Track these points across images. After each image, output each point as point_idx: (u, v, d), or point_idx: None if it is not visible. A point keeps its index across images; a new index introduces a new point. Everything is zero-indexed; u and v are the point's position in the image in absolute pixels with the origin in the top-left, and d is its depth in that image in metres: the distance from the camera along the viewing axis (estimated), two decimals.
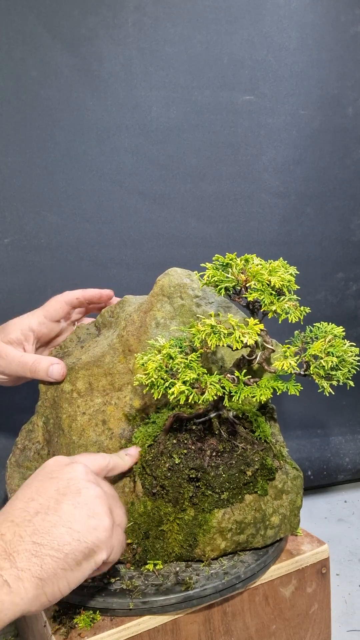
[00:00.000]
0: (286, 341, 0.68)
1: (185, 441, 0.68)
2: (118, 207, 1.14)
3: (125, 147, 1.13)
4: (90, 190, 1.12)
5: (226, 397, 0.58)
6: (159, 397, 0.59)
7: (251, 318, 0.59)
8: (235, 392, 0.58)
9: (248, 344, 0.56)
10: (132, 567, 0.70)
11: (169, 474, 0.67)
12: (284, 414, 1.32)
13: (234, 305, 0.85)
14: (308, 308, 0.63)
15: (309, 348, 0.60)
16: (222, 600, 0.68)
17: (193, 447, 0.68)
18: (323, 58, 1.21)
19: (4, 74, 1.04)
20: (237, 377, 0.61)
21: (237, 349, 0.57)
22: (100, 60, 1.09)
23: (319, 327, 0.66)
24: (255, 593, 0.71)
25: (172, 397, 0.59)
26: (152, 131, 1.14)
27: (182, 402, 0.56)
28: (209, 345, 0.57)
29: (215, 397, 0.56)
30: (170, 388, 0.58)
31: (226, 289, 0.63)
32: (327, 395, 0.58)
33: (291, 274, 0.66)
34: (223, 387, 0.58)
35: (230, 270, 0.62)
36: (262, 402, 0.80)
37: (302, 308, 0.61)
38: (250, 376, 0.64)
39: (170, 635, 0.66)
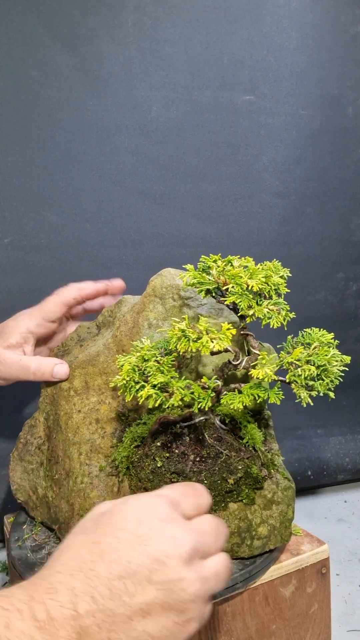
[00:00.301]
0: (278, 346, 0.68)
1: (169, 444, 0.68)
2: (118, 207, 1.14)
3: (125, 147, 1.13)
4: (90, 190, 1.12)
5: (196, 403, 0.57)
6: (130, 399, 0.59)
7: (225, 322, 0.58)
8: (203, 399, 0.57)
9: (215, 349, 0.55)
10: None
11: (151, 477, 0.66)
12: (284, 413, 1.32)
13: (226, 307, 0.84)
14: (293, 313, 0.62)
15: (289, 355, 0.59)
16: (222, 600, 0.68)
17: (177, 451, 0.67)
18: (323, 58, 1.20)
19: (4, 74, 1.05)
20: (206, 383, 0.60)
21: (213, 353, 0.56)
22: (100, 60, 1.09)
23: (309, 334, 0.65)
24: (255, 593, 0.71)
25: (141, 400, 0.58)
26: (152, 131, 1.14)
27: (150, 406, 0.56)
28: (179, 349, 0.57)
29: (180, 403, 0.56)
30: (140, 391, 0.58)
31: (208, 291, 0.62)
32: (305, 405, 0.57)
33: (282, 277, 0.65)
34: (192, 393, 0.57)
35: (211, 272, 0.62)
36: (255, 409, 0.80)
37: (285, 313, 0.60)
38: (219, 383, 0.62)
39: None
